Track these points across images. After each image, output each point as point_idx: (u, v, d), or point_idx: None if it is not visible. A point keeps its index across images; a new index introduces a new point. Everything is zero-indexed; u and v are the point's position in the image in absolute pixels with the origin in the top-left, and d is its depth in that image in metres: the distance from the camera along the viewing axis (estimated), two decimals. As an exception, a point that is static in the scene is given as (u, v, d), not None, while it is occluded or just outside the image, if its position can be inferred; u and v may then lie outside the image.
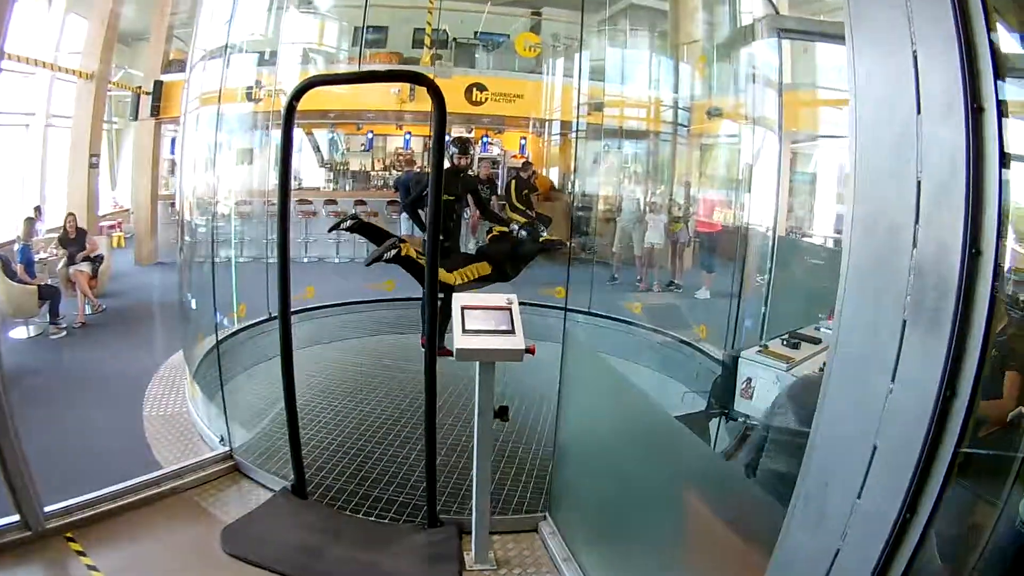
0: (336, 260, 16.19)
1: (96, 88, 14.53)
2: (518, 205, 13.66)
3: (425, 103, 13.42)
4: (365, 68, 13.29)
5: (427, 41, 15.41)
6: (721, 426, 6.42)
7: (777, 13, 7.86)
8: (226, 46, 8.35)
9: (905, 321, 2.02)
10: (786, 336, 5.71)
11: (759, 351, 5.31)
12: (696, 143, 13.49)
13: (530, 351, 4.26)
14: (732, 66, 10.22)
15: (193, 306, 8.33)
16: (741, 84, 9.48)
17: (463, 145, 8.55)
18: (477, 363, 4.42)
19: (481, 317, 4.34)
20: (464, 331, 4.24)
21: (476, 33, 17.84)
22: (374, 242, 7.10)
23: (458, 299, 4.43)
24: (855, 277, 2.23)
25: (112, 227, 17.13)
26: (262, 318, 9.65)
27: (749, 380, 5.18)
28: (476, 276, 7.59)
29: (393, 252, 6.63)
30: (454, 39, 17.79)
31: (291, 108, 4.70)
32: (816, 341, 5.74)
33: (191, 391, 7.91)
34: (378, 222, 15.69)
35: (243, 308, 9.24)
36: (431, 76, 3.95)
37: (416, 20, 16.26)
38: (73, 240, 11.74)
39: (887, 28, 2.09)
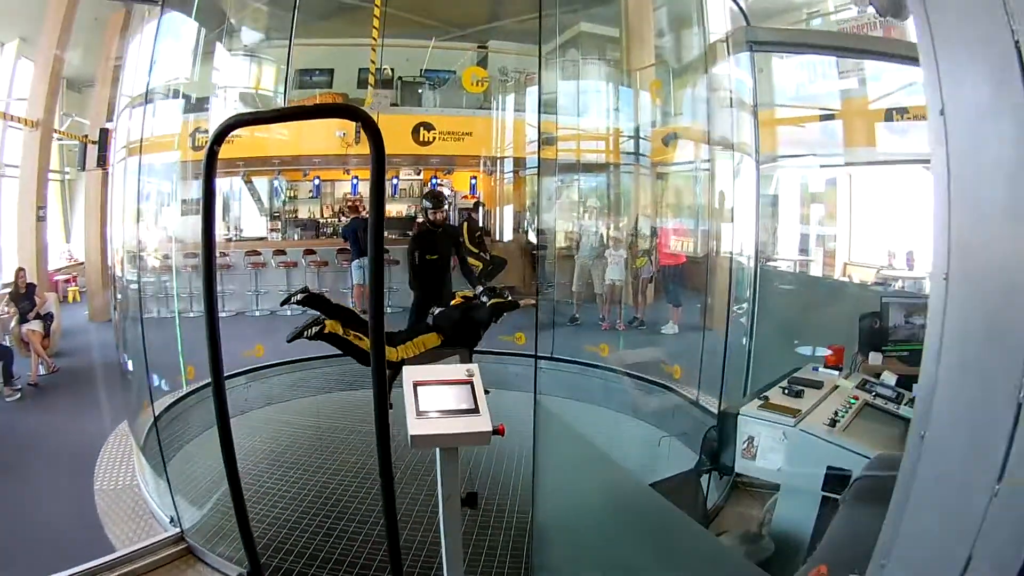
0: (288, 313, 15.34)
1: (41, 137, 14.09)
2: (471, 248, 13.25)
3: (367, 146, 13.31)
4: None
5: (371, 80, 14.89)
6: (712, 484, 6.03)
7: (748, 24, 7.36)
8: (145, 93, 7.74)
9: (1021, 406, 1.51)
10: (786, 385, 5.12)
11: (760, 406, 4.70)
12: (658, 172, 13.11)
13: (499, 432, 3.62)
14: (697, 87, 9.81)
15: (130, 367, 7.70)
16: (710, 106, 9.03)
17: (436, 199, 8.18)
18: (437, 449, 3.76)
19: (437, 395, 3.67)
20: (418, 414, 3.57)
21: (422, 71, 17.42)
22: (326, 315, 6.90)
23: (409, 373, 3.78)
24: (954, 348, 1.65)
25: (68, 281, 16.89)
26: (210, 380, 8.87)
27: (751, 439, 4.59)
28: (424, 349, 7.25)
29: (315, 329, 6.62)
30: (400, 78, 17.31)
31: (212, 154, 3.96)
32: (818, 385, 5.21)
33: (139, 464, 7.37)
34: (328, 273, 15.25)
35: (191, 370, 8.51)
36: (366, 110, 3.36)
37: (363, 60, 15.70)
38: (24, 295, 11.33)
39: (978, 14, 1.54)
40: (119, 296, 8.38)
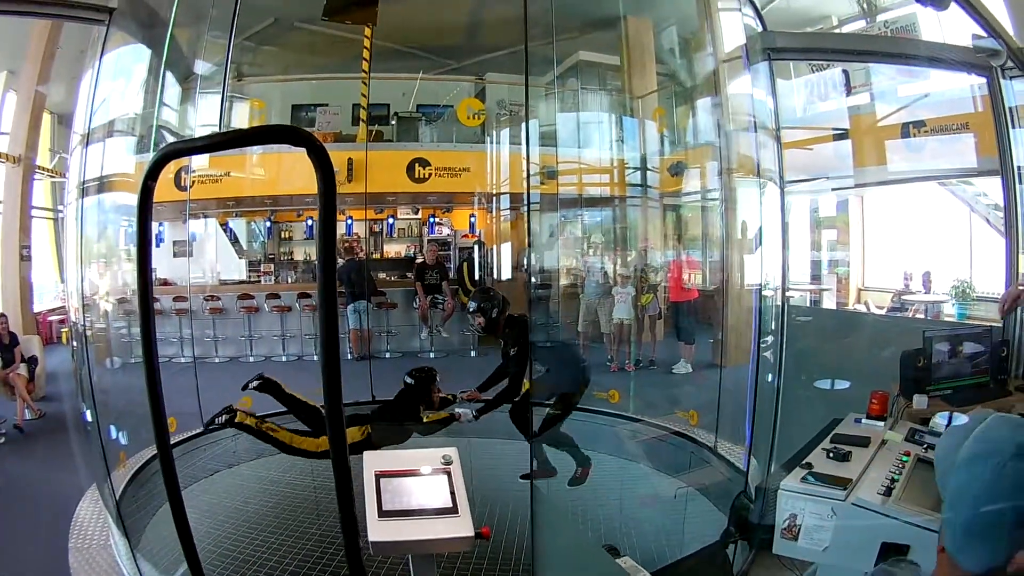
0: (283, 358, 14.80)
1: (23, 172, 13.81)
2: (472, 289, 12.76)
3: (361, 183, 12.78)
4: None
5: (363, 115, 14.38)
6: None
7: (764, 29, 6.83)
8: (86, 134, 7.28)
9: None
10: (829, 446, 4.42)
11: (804, 477, 4.00)
12: (666, 204, 12.63)
13: (483, 535, 2.90)
14: (710, 110, 9.29)
15: (88, 418, 7.08)
16: (725, 128, 8.49)
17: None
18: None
19: (406, 489, 2.96)
20: (381, 514, 2.84)
21: (417, 106, 16.95)
22: (280, 401, 6.70)
23: (370, 461, 3.05)
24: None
25: (61, 322, 16.35)
26: (196, 431, 8.42)
27: (793, 516, 3.90)
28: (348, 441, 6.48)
29: (226, 418, 6.30)
30: (395, 113, 16.82)
31: (147, 189, 3.26)
32: (864, 442, 4.55)
33: (113, 527, 6.77)
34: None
35: (173, 421, 7.90)
36: (314, 132, 2.73)
37: (355, 96, 15.24)
38: (7, 346, 10.89)
39: None
40: (74, 343, 8.10)
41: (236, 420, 6.29)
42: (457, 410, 6.73)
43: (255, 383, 6.70)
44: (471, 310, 7.25)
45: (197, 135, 11.08)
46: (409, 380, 6.84)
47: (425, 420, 6.61)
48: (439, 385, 6.93)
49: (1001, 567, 1.78)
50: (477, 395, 7.12)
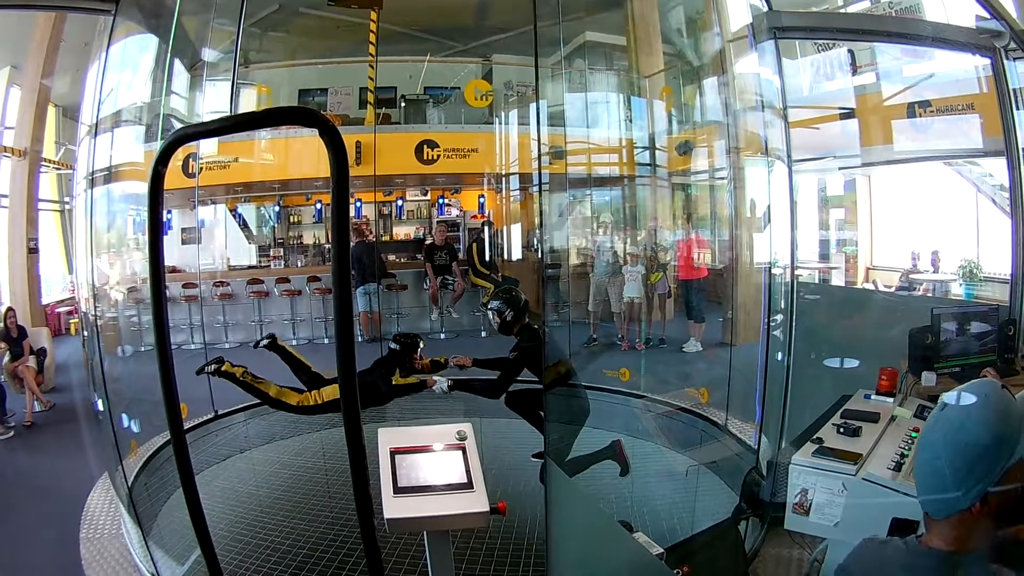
0: (294, 341, 14.78)
1: (29, 166, 13.75)
2: (482, 270, 12.74)
3: (369, 166, 12.77)
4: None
5: (370, 98, 14.36)
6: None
7: (770, 8, 6.82)
8: (94, 124, 7.29)
9: None
10: (840, 421, 4.45)
11: (816, 451, 4.03)
12: (675, 183, 12.60)
13: (499, 510, 2.92)
14: (717, 89, 9.28)
15: (100, 407, 7.07)
16: (732, 107, 8.48)
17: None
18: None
19: (421, 465, 2.99)
20: (396, 491, 2.87)
21: (424, 88, 16.93)
22: (287, 363, 7.03)
23: (385, 437, 3.08)
24: None
25: (70, 313, 16.33)
26: (206, 417, 8.73)
27: (805, 492, 3.92)
28: (320, 402, 6.72)
29: (214, 367, 6.58)
30: (403, 96, 16.80)
31: (158, 175, 3.28)
32: (874, 418, 4.59)
33: (125, 515, 6.79)
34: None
35: (184, 408, 7.94)
36: (326, 114, 2.74)
37: (363, 79, 15.23)
38: (15, 339, 10.88)
39: None
40: (85, 333, 8.07)
41: (223, 369, 6.55)
42: (434, 377, 6.78)
43: (265, 341, 7.05)
44: (489, 307, 7.23)
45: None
46: (394, 345, 7.00)
47: (394, 382, 6.71)
48: (423, 353, 7.08)
49: (966, 510, 1.89)
50: (466, 362, 7.17)
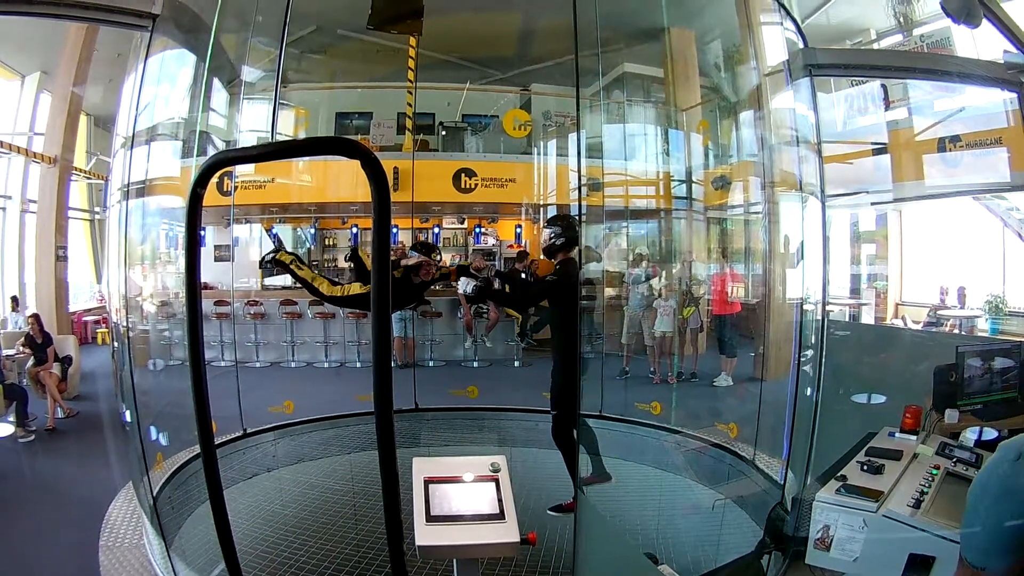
0: (326, 364, 14.98)
1: (59, 173, 13.98)
2: (516, 301, 12.83)
3: (407, 192, 12.88)
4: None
5: (409, 124, 14.51)
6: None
7: (806, 45, 6.89)
8: (130, 137, 7.45)
9: None
10: (864, 459, 4.53)
11: (839, 489, 4.12)
12: (710, 217, 12.66)
13: (529, 541, 3.03)
14: (753, 124, 9.34)
15: (128, 418, 7.08)
16: (768, 143, 8.55)
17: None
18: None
19: (454, 495, 3.10)
20: (428, 519, 2.99)
21: (462, 116, 17.07)
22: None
23: (420, 467, 3.19)
24: None
25: (97, 322, 16.73)
26: (236, 434, 8.71)
27: (827, 527, 4.01)
28: (348, 294, 7.10)
29: (271, 255, 7.17)
30: (441, 123, 16.95)
31: (196, 197, 3.38)
32: (896, 456, 4.65)
33: (148, 526, 6.83)
34: (366, 324, 14.83)
35: (214, 425, 8.05)
36: (367, 144, 2.86)
37: (401, 105, 15.37)
38: (40, 345, 11.01)
39: None
40: (115, 344, 8.13)
41: (277, 258, 7.13)
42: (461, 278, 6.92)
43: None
44: (544, 227, 7.10)
45: (241, 141, 11.27)
46: (412, 253, 7.24)
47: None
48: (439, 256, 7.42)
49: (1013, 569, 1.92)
50: (483, 263, 7.63)
